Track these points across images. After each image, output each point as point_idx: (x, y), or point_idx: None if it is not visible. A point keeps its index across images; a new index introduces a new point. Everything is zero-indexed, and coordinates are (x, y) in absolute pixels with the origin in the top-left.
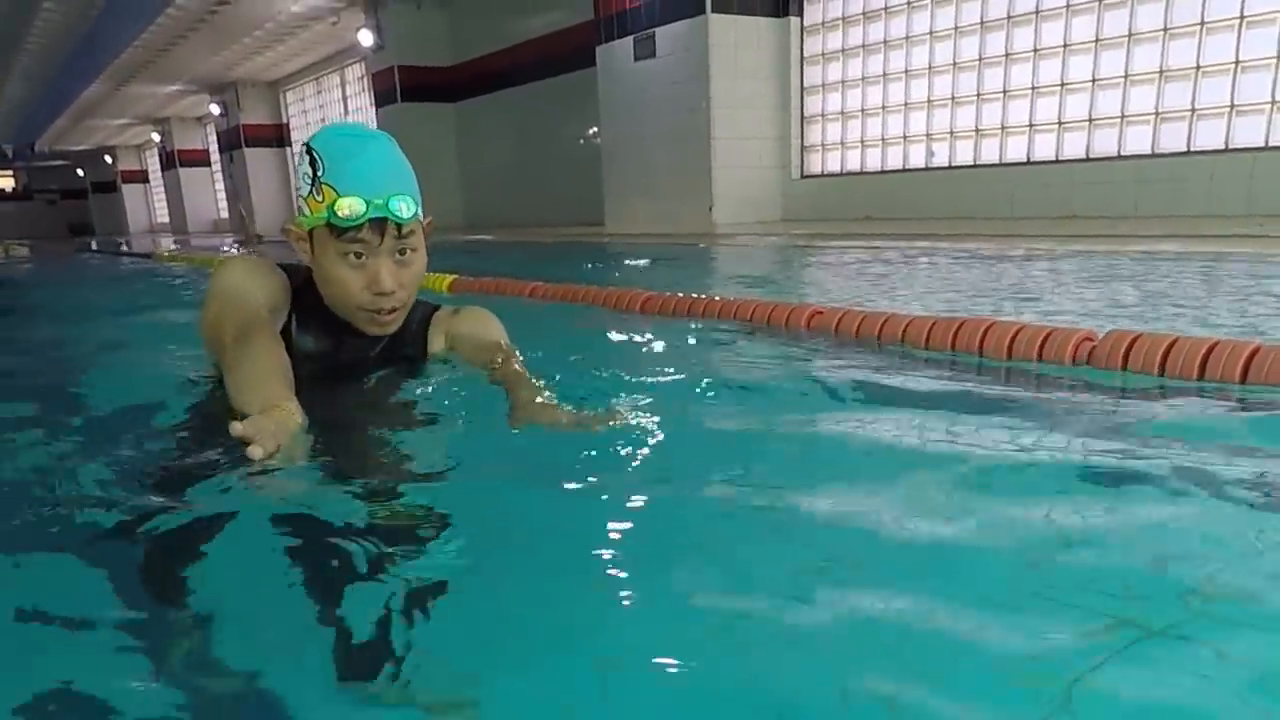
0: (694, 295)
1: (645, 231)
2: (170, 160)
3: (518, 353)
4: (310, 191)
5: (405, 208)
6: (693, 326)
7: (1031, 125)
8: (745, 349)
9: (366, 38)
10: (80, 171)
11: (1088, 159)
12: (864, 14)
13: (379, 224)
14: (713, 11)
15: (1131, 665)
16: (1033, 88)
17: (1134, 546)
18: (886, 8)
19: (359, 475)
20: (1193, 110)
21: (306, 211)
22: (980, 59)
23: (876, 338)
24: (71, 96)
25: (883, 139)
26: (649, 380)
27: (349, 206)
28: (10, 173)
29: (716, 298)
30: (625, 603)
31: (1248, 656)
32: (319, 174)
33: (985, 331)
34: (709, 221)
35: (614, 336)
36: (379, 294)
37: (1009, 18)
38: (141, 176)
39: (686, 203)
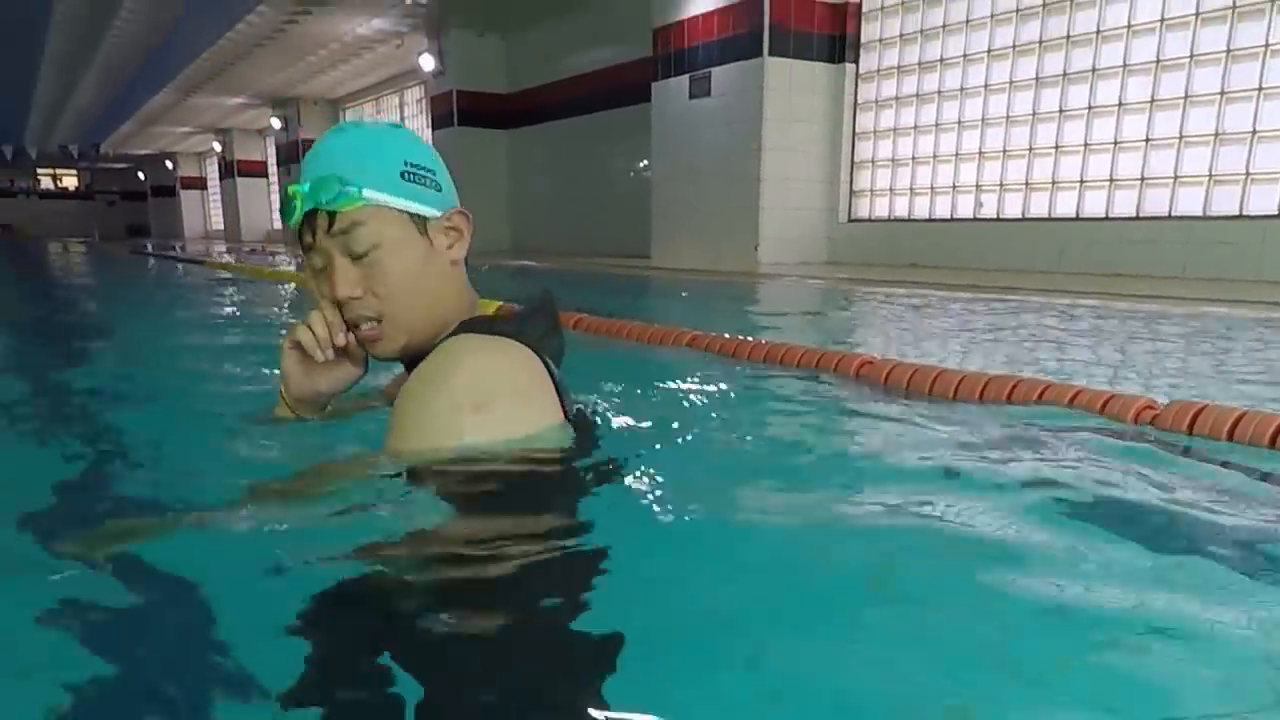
0: (740, 337)
1: (690, 267)
2: (229, 169)
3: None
4: None
5: (326, 189)
6: (736, 369)
7: (1082, 181)
8: (790, 395)
9: (428, 62)
10: (141, 175)
11: (1138, 218)
12: (919, 64)
13: (310, 217)
14: (769, 55)
15: None
16: (1085, 144)
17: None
18: (942, 59)
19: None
20: (1247, 174)
21: None
22: (1034, 114)
23: (927, 392)
24: (139, 103)
25: (932, 187)
26: (686, 423)
27: (282, 203)
28: (74, 172)
29: (763, 341)
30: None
31: None
32: None
33: (1042, 393)
34: (754, 260)
35: (654, 373)
36: (339, 303)
37: (1064, 75)
38: (200, 183)
39: (733, 240)
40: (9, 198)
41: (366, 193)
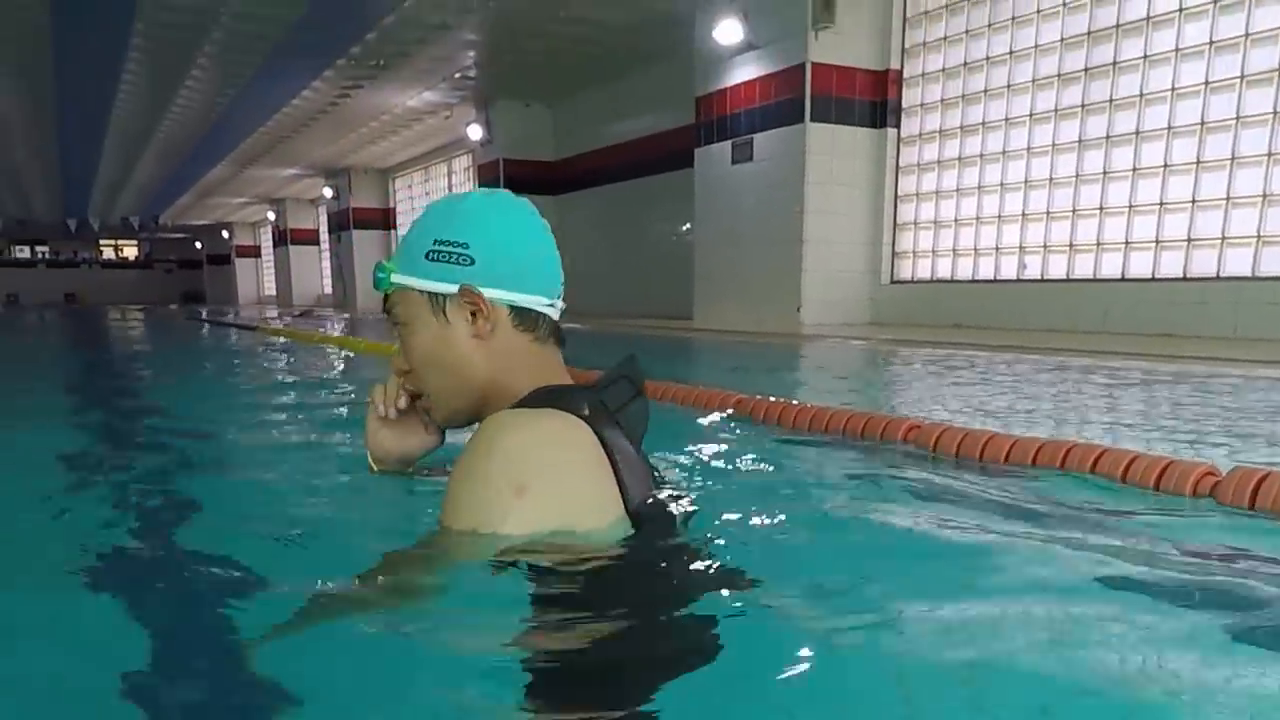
0: (784, 400)
1: (733, 329)
2: (282, 238)
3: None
4: None
5: (377, 272)
6: (778, 435)
7: (1128, 243)
8: (836, 462)
9: (476, 132)
10: (198, 244)
11: (1185, 278)
12: (961, 127)
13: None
14: (811, 121)
15: None
16: (1130, 206)
17: None
18: (984, 123)
19: None
20: None
21: None
22: (1077, 176)
23: (978, 457)
24: (197, 176)
25: (975, 249)
26: (727, 494)
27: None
28: (135, 243)
29: (808, 405)
30: None
31: None
32: None
33: (1097, 459)
34: (797, 322)
35: (694, 436)
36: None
37: (1107, 137)
38: (254, 251)
39: (775, 302)
40: (73, 268)
41: (395, 276)
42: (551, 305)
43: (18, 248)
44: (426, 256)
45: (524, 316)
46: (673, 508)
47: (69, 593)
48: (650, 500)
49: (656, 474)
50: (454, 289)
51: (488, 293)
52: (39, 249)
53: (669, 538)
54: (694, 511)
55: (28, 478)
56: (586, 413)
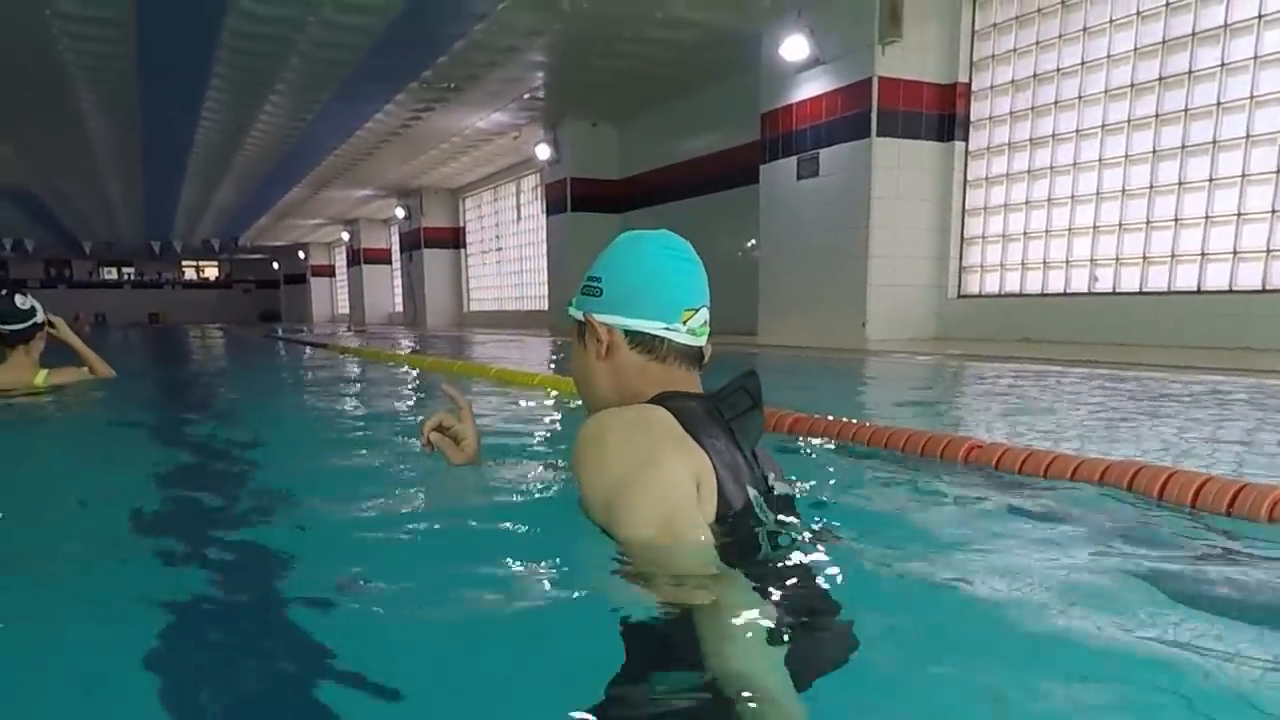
0: (843, 419)
1: (797, 344)
2: (355, 257)
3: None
4: None
5: (567, 309)
6: (840, 452)
7: (1204, 254)
8: (896, 482)
9: (544, 151)
10: (275, 265)
11: (1264, 290)
12: (1031, 140)
13: None
14: (878, 135)
15: None
16: (1206, 217)
17: None
18: (1054, 135)
19: None
20: None
21: None
22: (1151, 187)
23: (1041, 475)
24: (274, 199)
25: (1044, 262)
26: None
27: None
28: (215, 264)
29: (867, 424)
30: None
31: None
32: None
33: (1165, 482)
34: (862, 337)
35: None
36: None
37: (1183, 147)
38: (328, 271)
39: (840, 317)
40: (157, 288)
41: (570, 309)
42: (670, 329)
43: (105, 269)
44: (581, 290)
45: (639, 339)
46: (765, 515)
47: (180, 575)
48: (745, 504)
49: (769, 485)
50: (580, 317)
51: (603, 319)
52: (125, 270)
53: (752, 548)
54: (790, 527)
55: (123, 474)
56: (693, 407)
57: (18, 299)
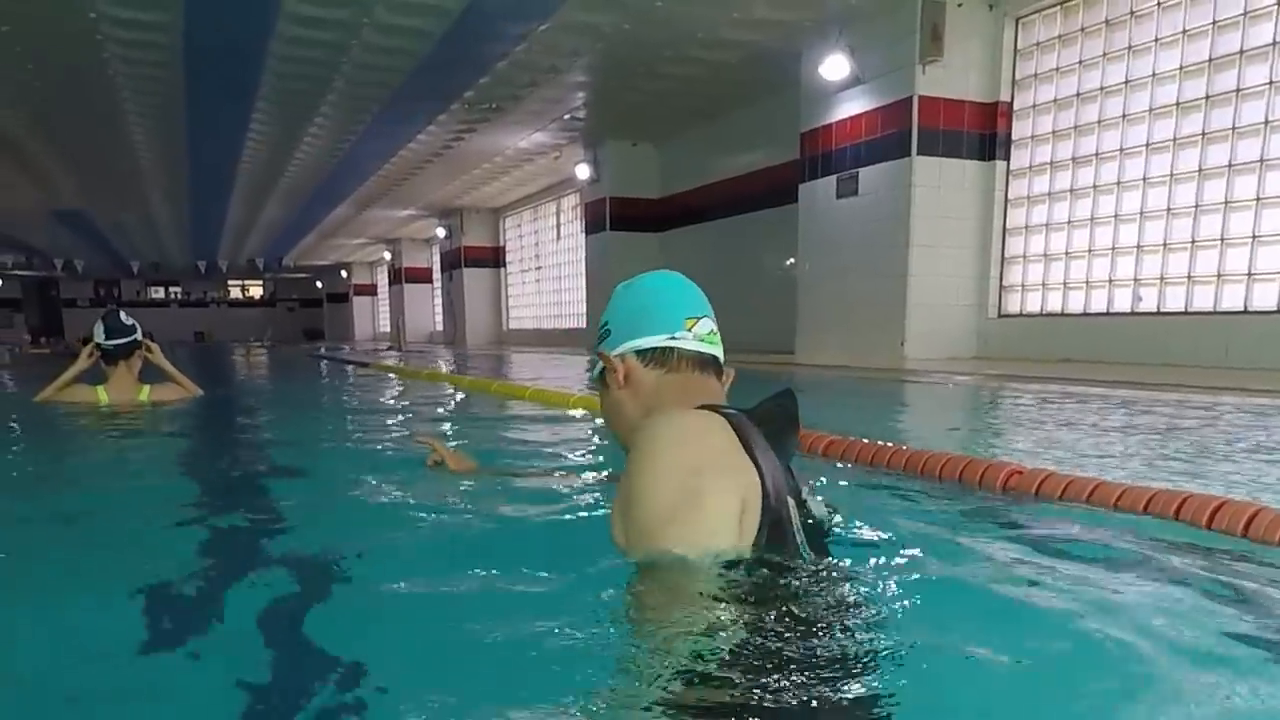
0: (879, 443)
1: (835, 363)
2: (397, 276)
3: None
4: None
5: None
6: (874, 479)
7: (1250, 274)
8: (931, 510)
9: (584, 171)
10: (319, 283)
11: None
12: (1073, 159)
13: None
14: (918, 154)
15: None
16: (1254, 236)
17: None
18: (1098, 153)
19: None
20: None
21: None
22: (1196, 206)
23: (1085, 501)
24: (318, 219)
25: (1087, 281)
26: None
27: None
28: (260, 282)
29: (904, 447)
30: None
31: None
32: None
33: (1215, 512)
34: (900, 356)
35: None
36: None
37: (1229, 166)
38: (370, 290)
39: (879, 337)
40: (202, 307)
41: (590, 375)
42: (676, 338)
43: (153, 289)
44: (597, 338)
45: (650, 355)
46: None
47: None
48: (785, 518)
49: (803, 499)
50: (599, 359)
51: (615, 351)
52: (172, 290)
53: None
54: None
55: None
56: (741, 417)
57: (122, 315)
